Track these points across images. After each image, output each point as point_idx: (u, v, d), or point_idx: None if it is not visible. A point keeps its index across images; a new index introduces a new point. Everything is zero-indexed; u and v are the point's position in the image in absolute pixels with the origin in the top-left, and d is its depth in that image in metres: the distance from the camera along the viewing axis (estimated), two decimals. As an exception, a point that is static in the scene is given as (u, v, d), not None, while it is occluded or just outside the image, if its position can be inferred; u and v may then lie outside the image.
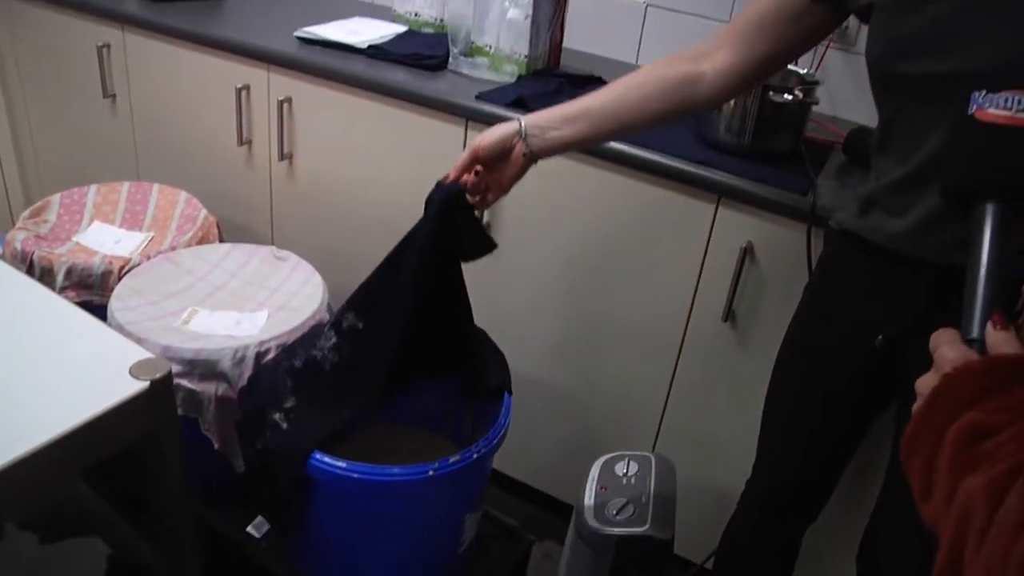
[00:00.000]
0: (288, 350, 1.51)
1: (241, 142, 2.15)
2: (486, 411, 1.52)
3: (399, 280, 1.33)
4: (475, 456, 1.37)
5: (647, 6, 2.16)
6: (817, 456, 1.38)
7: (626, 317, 1.78)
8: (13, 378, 1.02)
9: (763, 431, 1.43)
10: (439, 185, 1.26)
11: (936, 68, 1.01)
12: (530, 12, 1.88)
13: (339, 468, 1.32)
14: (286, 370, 1.46)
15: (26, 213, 2.05)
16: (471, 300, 1.42)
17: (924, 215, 1.08)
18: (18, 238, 1.91)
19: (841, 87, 2.00)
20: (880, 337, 1.20)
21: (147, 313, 1.64)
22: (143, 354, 1.07)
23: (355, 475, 1.32)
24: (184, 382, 1.52)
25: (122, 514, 1.42)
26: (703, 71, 1.19)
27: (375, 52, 1.99)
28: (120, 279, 1.76)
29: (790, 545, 1.49)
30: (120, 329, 1.54)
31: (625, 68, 2.17)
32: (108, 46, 2.27)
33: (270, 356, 1.55)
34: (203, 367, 1.53)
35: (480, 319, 1.49)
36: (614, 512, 1.47)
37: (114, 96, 2.34)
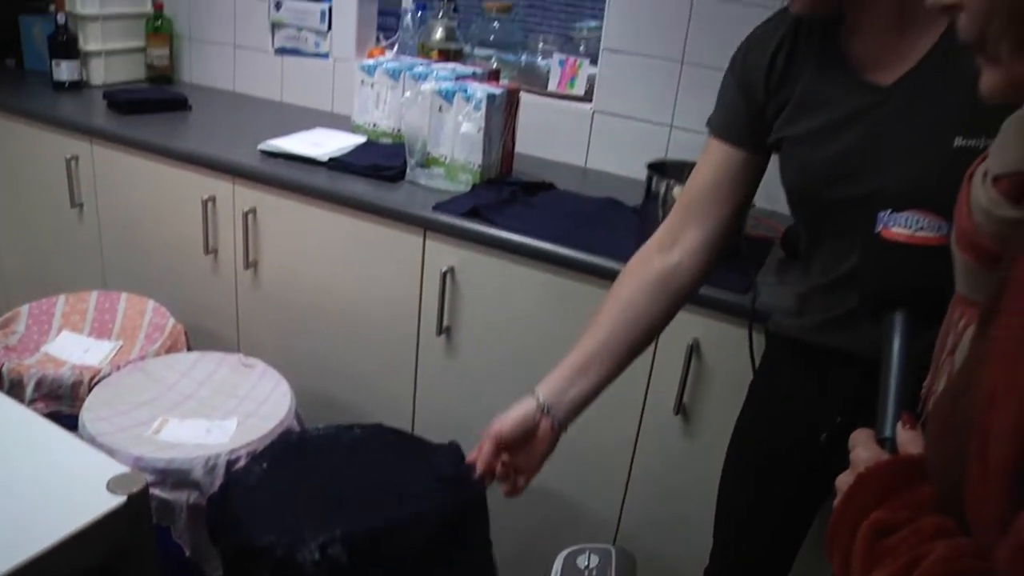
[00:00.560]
0: (257, 458, 1.55)
1: (207, 251, 2.20)
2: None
3: None
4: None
5: (594, 112, 2.29)
6: (770, 542, 1.42)
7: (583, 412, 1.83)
8: (-11, 496, 1.02)
9: (717, 520, 1.48)
10: (461, 479, 1.21)
11: (847, 192, 1.09)
12: (482, 125, 1.96)
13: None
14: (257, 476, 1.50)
15: (-5, 325, 2.08)
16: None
17: (853, 314, 1.14)
18: (-13, 351, 1.94)
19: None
20: (824, 435, 1.22)
21: (118, 424, 1.67)
22: (118, 468, 1.08)
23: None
24: (157, 491, 1.54)
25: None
26: (677, 260, 1.22)
27: (336, 164, 2.07)
28: (90, 389, 1.79)
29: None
30: (92, 440, 1.57)
31: (575, 171, 2.28)
32: (76, 158, 2.33)
33: (240, 463, 1.58)
34: (175, 476, 1.56)
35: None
36: (577, 605, 1.51)
37: (81, 206, 2.40)
